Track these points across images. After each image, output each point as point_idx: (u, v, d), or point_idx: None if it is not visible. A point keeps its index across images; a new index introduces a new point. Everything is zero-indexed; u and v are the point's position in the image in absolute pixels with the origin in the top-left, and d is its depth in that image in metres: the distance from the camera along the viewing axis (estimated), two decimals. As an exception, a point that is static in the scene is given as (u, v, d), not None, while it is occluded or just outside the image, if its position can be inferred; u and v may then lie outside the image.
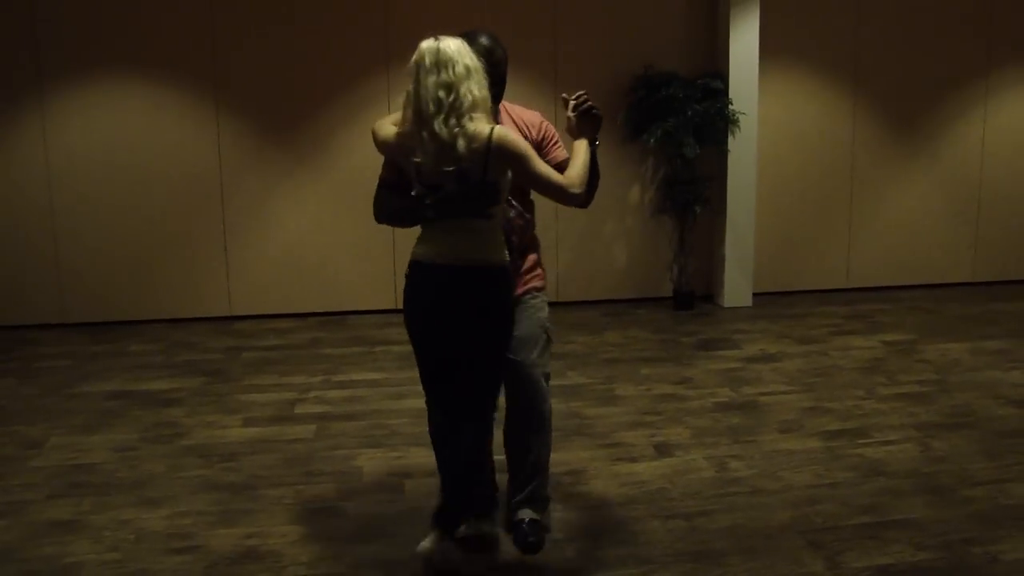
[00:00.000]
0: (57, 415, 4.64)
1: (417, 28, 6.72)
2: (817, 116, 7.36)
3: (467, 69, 2.77)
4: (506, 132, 2.80)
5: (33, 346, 6.05)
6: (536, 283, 3.18)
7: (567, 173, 2.89)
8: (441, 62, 2.76)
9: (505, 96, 3.14)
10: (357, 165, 6.76)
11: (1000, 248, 7.89)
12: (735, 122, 6.79)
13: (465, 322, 2.88)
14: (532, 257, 3.20)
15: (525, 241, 3.15)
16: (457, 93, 2.74)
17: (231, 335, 6.31)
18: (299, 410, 4.69)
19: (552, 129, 3.19)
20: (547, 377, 3.13)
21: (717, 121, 6.74)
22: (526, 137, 3.03)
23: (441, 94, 2.74)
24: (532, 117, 3.19)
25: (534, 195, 3.11)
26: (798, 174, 7.41)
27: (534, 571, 3.01)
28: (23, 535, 3.28)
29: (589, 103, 2.98)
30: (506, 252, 2.94)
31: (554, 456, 3.38)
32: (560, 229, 6.87)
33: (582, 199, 2.94)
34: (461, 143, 2.73)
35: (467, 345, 2.91)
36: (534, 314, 3.11)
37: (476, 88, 2.77)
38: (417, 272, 2.93)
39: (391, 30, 6.65)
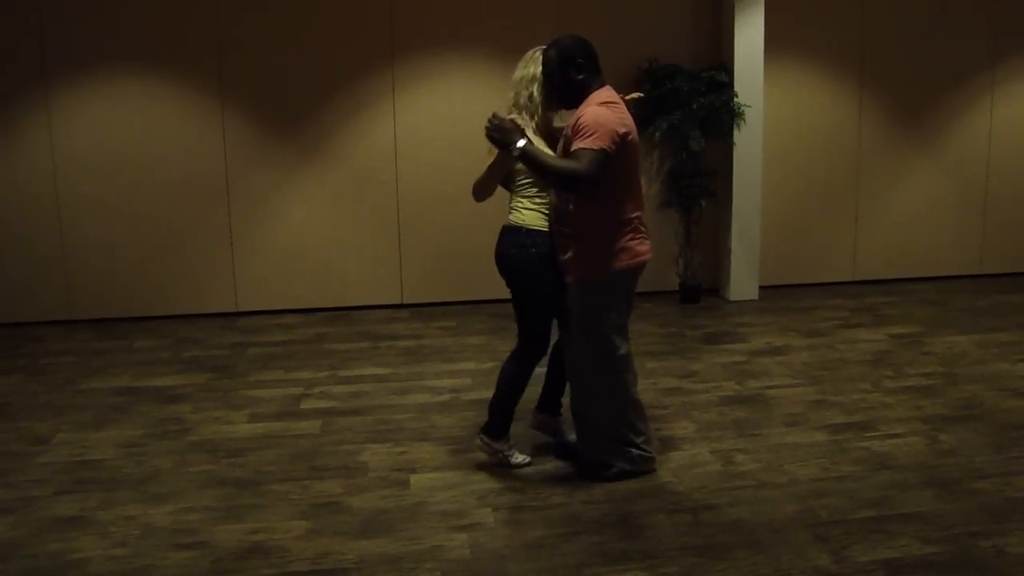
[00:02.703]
0: (64, 411, 4.66)
1: (421, 24, 6.79)
2: (823, 108, 7.34)
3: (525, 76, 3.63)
4: None
5: (40, 343, 6.07)
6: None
7: None
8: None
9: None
10: (362, 160, 6.76)
11: (1008, 240, 7.86)
12: (740, 115, 6.78)
13: None
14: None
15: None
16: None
17: (237, 331, 6.32)
18: (305, 405, 4.70)
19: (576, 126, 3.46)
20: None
21: (723, 114, 6.73)
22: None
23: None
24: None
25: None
26: (804, 167, 7.39)
27: (540, 566, 3.00)
28: (30, 531, 3.29)
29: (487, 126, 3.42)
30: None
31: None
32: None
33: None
34: None
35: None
36: None
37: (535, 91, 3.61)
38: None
39: (396, 25, 6.65)
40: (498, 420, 3.78)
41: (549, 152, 3.51)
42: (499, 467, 3.81)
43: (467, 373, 5.21)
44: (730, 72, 6.81)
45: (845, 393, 4.76)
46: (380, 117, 6.75)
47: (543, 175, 3.42)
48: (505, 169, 3.58)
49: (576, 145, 3.31)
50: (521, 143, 3.32)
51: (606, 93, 3.46)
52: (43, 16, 6.28)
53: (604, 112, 3.35)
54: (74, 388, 5.07)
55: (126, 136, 6.49)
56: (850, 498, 3.48)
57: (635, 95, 3.64)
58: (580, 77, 3.48)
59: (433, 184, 6.84)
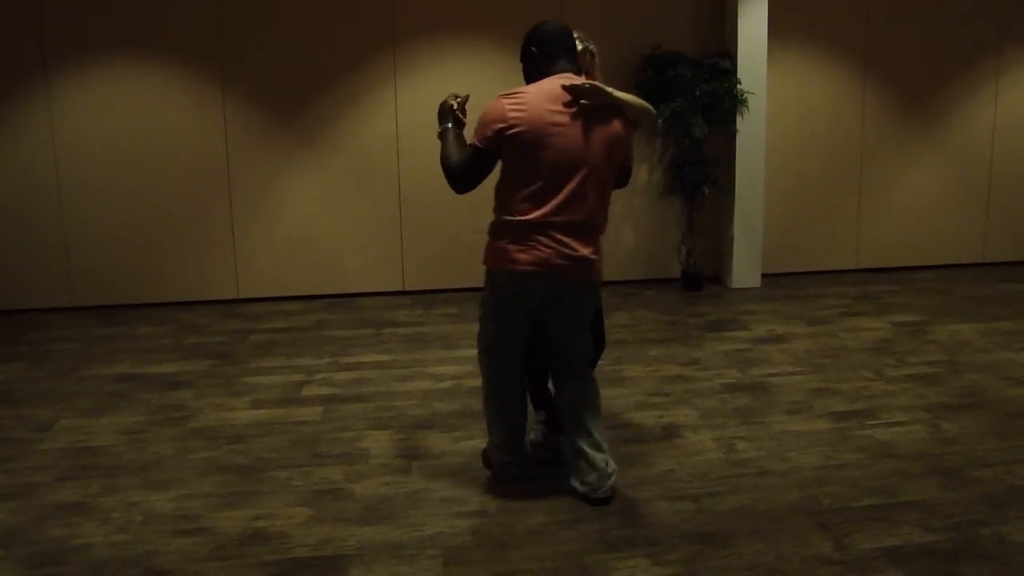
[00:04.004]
0: (66, 398, 4.66)
1: (423, 10, 6.75)
2: (826, 95, 7.31)
3: None
4: None
5: (42, 329, 6.07)
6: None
7: None
8: None
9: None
10: (364, 147, 6.75)
11: (1011, 228, 7.84)
12: (743, 102, 6.75)
13: None
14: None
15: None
16: None
17: (238, 318, 6.32)
18: (306, 392, 4.70)
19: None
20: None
21: (725, 101, 6.70)
22: None
23: None
24: None
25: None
26: (807, 154, 7.37)
27: (542, 552, 3.00)
28: (32, 517, 3.29)
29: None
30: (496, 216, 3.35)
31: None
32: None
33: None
34: None
35: None
36: None
37: None
38: None
39: (397, 11, 6.62)
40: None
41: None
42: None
43: (469, 360, 5.20)
44: (733, 59, 6.79)
45: (847, 381, 4.75)
46: (382, 103, 6.73)
47: None
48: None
49: None
50: (447, 126, 3.34)
51: (542, 82, 3.21)
52: (43, 3, 6.25)
53: (493, 104, 3.18)
54: (76, 375, 5.07)
55: (127, 123, 6.47)
56: (852, 486, 3.47)
57: (581, 82, 3.16)
58: (531, 65, 3.32)
59: (435, 170, 6.82)
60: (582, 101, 3.16)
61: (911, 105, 7.49)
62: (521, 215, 3.18)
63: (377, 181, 6.81)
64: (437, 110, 3.39)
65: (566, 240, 3.20)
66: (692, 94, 6.57)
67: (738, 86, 6.72)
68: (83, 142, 6.45)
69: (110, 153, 6.49)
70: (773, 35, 7.00)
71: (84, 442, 4.04)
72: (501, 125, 3.12)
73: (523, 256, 3.19)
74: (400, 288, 6.99)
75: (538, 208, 3.17)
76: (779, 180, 7.33)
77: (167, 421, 4.30)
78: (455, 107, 3.36)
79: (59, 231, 6.52)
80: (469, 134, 3.33)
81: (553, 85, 3.18)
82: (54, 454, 3.90)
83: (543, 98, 3.15)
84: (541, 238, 3.18)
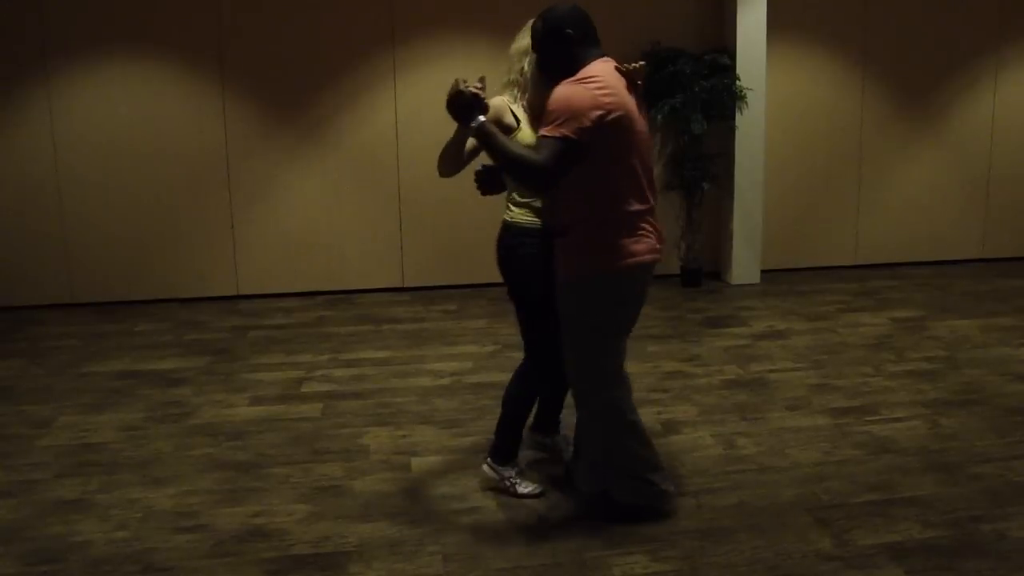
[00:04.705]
0: (65, 395, 4.66)
1: (423, 5, 6.73)
2: (825, 91, 7.30)
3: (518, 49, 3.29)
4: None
5: (41, 326, 6.06)
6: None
7: None
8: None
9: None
10: (363, 143, 6.74)
11: (1010, 224, 7.83)
12: (743, 98, 6.74)
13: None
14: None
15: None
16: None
17: (238, 314, 6.31)
18: (306, 389, 4.69)
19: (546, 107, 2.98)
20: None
21: (725, 97, 6.69)
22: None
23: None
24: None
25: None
26: (806, 150, 7.36)
27: (542, 549, 3.01)
28: (31, 514, 3.29)
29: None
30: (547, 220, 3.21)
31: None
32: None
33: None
34: None
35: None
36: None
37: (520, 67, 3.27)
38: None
39: (397, 8, 6.61)
40: (502, 443, 3.40)
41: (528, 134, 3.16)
42: (504, 493, 3.42)
43: (468, 356, 5.20)
44: (732, 55, 6.78)
45: (847, 377, 4.75)
46: (381, 100, 6.72)
47: (498, 162, 2.93)
48: (463, 146, 3.19)
49: (540, 131, 2.89)
50: (480, 119, 2.88)
51: (599, 67, 2.94)
52: (41, -3, 6.25)
53: (577, 91, 2.85)
54: (75, 371, 5.06)
55: (127, 119, 6.46)
56: (852, 482, 3.47)
57: (635, 64, 3.00)
58: (569, 50, 2.99)
59: (435, 167, 6.80)
60: (639, 83, 3.03)
61: (910, 101, 7.48)
62: (627, 205, 2.96)
63: (377, 177, 6.81)
64: (448, 103, 2.88)
65: (654, 220, 3.07)
66: (691, 90, 6.56)
67: (737, 82, 6.71)
68: (83, 138, 6.44)
69: (110, 149, 6.48)
70: (772, 31, 6.99)
71: (84, 439, 4.04)
72: (601, 112, 2.82)
73: (639, 247, 2.99)
74: (400, 284, 6.98)
75: (639, 194, 2.99)
76: (778, 176, 7.33)
77: (166, 418, 4.29)
78: (480, 95, 2.90)
79: (59, 227, 6.51)
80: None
81: (610, 67, 2.97)
82: (53, 451, 3.90)
83: (616, 80, 2.92)
84: (645, 224, 3.02)
